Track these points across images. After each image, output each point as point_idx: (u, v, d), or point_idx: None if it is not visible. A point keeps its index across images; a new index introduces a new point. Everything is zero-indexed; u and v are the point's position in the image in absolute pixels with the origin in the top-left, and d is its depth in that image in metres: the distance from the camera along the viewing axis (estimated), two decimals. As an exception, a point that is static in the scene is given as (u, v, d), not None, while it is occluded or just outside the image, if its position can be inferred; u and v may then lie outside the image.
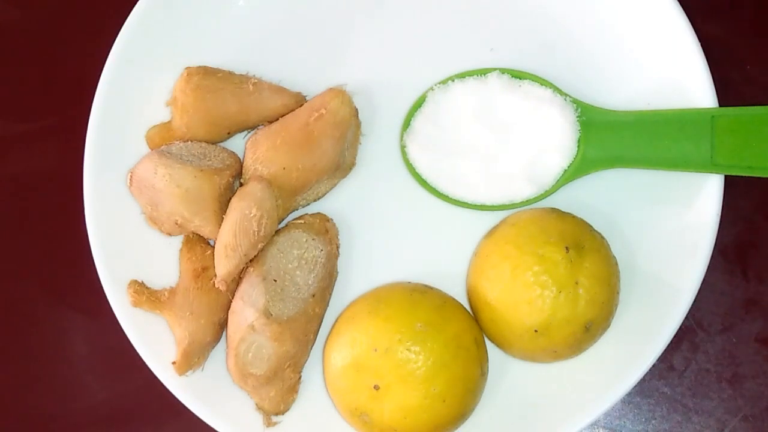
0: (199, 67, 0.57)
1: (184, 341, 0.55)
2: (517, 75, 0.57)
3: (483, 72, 0.58)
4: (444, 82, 0.58)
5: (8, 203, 0.65)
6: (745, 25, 0.63)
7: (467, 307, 0.55)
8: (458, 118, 0.57)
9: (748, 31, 0.63)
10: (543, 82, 0.57)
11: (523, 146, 0.56)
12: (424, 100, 0.58)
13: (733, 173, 0.54)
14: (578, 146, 0.56)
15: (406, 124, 0.58)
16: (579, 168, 0.56)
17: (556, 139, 0.56)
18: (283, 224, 0.57)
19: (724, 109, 0.55)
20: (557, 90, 0.57)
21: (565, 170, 0.56)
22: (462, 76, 0.58)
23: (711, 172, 0.55)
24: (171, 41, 0.60)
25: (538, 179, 0.56)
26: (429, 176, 0.57)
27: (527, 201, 0.57)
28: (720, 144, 0.54)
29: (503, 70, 0.58)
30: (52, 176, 0.64)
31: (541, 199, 0.57)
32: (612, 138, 0.56)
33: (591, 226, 0.54)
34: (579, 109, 0.56)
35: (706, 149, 0.54)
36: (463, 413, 0.53)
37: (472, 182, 0.57)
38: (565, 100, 0.56)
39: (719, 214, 0.55)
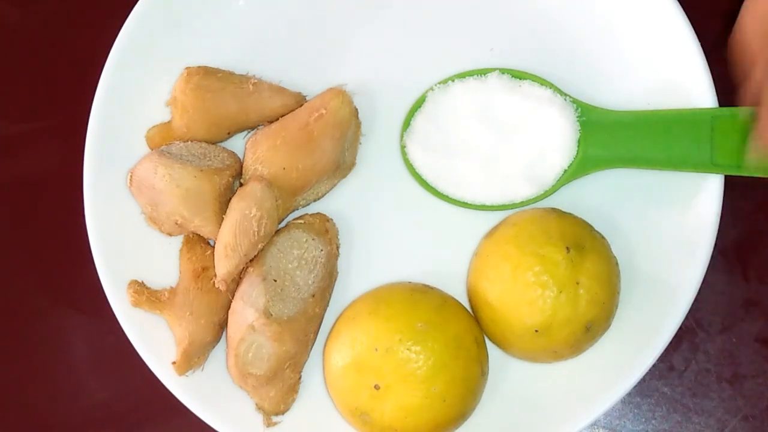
0: (199, 67, 0.57)
1: (184, 341, 0.55)
2: (518, 75, 0.57)
3: (483, 72, 0.58)
4: (444, 82, 0.58)
5: (8, 203, 0.65)
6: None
7: (467, 307, 0.55)
8: (458, 118, 0.57)
9: (748, 31, 0.63)
10: (543, 83, 0.57)
11: (523, 146, 0.56)
12: (424, 100, 0.58)
13: (733, 173, 0.54)
14: (578, 146, 0.56)
15: (406, 124, 0.58)
16: (579, 168, 0.56)
17: (556, 139, 0.56)
18: (283, 224, 0.57)
19: (724, 109, 0.55)
20: (557, 90, 0.57)
21: (565, 170, 0.56)
22: (462, 76, 0.58)
23: (711, 172, 0.55)
24: (171, 41, 0.60)
25: (538, 179, 0.56)
26: (429, 176, 0.57)
27: (527, 201, 0.56)
28: (720, 144, 0.54)
29: (503, 70, 0.57)
30: (52, 176, 0.64)
31: (540, 199, 0.56)
32: (612, 138, 0.56)
33: (591, 226, 0.54)
34: (579, 109, 0.56)
35: (706, 149, 0.54)
36: (463, 413, 0.53)
37: (472, 182, 0.57)
38: (565, 100, 0.56)
39: (719, 214, 0.55)
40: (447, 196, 0.57)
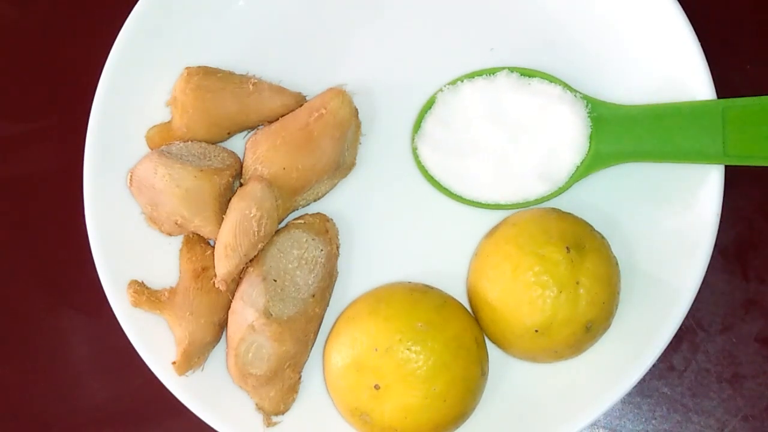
0: (199, 67, 0.57)
1: (184, 341, 0.55)
2: (527, 73, 0.57)
3: (492, 71, 0.57)
4: (453, 82, 0.58)
5: (8, 203, 0.65)
6: (745, 25, 0.63)
7: (467, 307, 0.55)
8: (469, 119, 0.57)
9: (748, 31, 0.63)
10: (552, 80, 0.57)
11: (534, 144, 0.56)
12: (434, 102, 0.58)
13: (746, 164, 0.54)
14: (590, 142, 0.56)
15: (417, 126, 0.58)
16: (592, 164, 0.56)
17: (567, 135, 0.55)
18: (283, 224, 0.57)
19: (735, 100, 0.54)
20: (567, 87, 0.56)
21: (578, 166, 0.56)
22: (471, 76, 0.58)
23: (724, 164, 0.54)
24: (171, 41, 0.60)
25: (550, 177, 0.56)
26: (442, 178, 0.57)
27: (541, 199, 0.56)
28: (732, 135, 0.53)
29: (512, 69, 0.57)
30: (52, 176, 0.64)
31: (554, 197, 0.56)
32: (623, 132, 0.55)
33: (591, 226, 0.54)
34: (589, 105, 0.56)
35: (718, 141, 0.54)
36: (463, 413, 0.53)
37: (484, 182, 0.56)
38: (575, 96, 0.56)
39: (719, 214, 0.55)
40: (461, 197, 0.57)
